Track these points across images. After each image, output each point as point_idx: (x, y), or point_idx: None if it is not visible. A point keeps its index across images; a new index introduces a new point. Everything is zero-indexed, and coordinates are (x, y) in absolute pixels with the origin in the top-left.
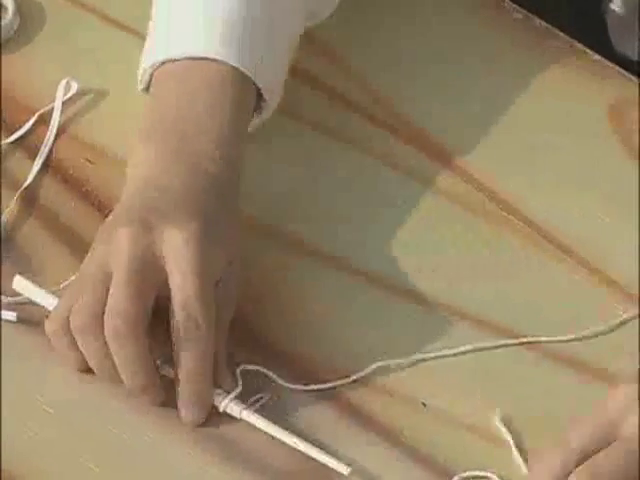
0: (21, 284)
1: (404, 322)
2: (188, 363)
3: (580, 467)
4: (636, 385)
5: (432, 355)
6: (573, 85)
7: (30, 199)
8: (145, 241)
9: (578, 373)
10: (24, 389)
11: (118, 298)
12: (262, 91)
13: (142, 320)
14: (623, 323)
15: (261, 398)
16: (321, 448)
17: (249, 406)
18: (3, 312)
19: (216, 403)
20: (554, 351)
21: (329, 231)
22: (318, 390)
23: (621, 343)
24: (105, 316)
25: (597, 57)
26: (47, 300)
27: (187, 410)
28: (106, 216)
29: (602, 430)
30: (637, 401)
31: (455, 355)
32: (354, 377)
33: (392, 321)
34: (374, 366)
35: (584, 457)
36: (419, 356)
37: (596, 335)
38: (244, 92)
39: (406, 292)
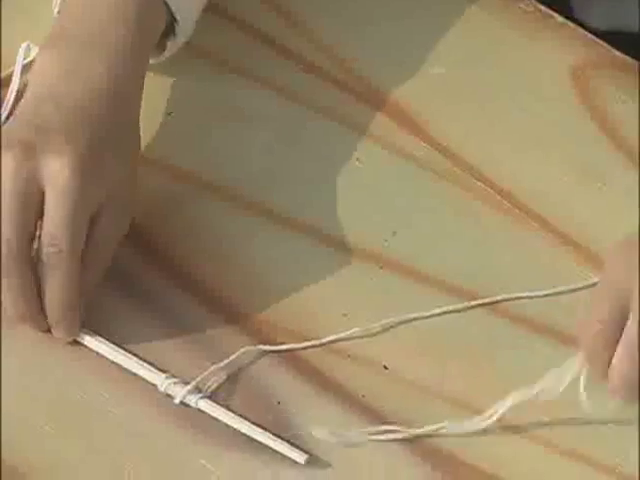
0: None
1: (366, 285)
2: (49, 290)
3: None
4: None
5: (405, 319)
6: (536, 47)
7: None
8: (26, 167)
9: (546, 336)
10: None
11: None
12: (173, 12)
13: (24, 248)
14: (589, 286)
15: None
16: (279, 414)
17: (205, 393)
18: None
19: (172, 394)
20: (521, 315)
21: (293, 195)
22: (282, 351)
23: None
24: None
25: (561, 19)
26: None
27: (56, 333)
28: None
29: (616, 303)
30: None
31: (427, 318)
32: (327, 339)
33: (353, 284)
34: (352, 331)
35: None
36: (391, 320)
37: (556, 294)
38: (152, 8)
39: (368, 256)
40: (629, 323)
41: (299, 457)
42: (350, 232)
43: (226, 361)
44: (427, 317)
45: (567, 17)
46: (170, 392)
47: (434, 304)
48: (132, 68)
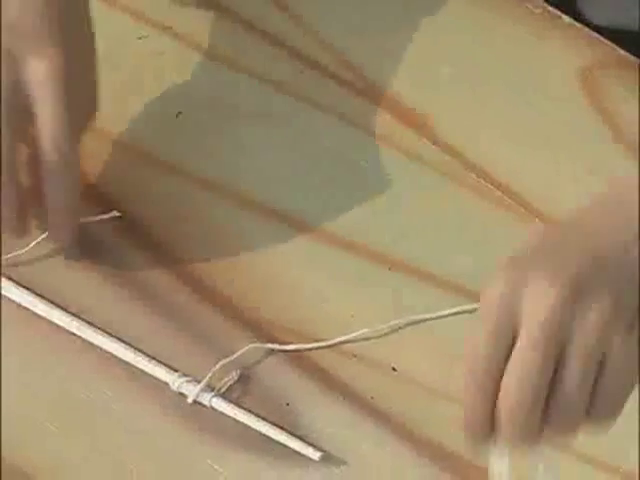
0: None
1: (374, 286)
2: (55, 194)
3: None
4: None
5: (413, 320)
6: (544, 48)
7: None
8: (12, 75)
9: None
10: None
11: None
12: None
13: (14, 157)
14: None
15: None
16: (288, 415)
17: (219, 391)
18: None
19: (185, 392)
20: None
21: (298, 197)
22: (289, 351)
23: None
24: None
25: (569, 20)
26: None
27: (56, 236)
28: None
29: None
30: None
31: (435, 319)
32: (335, 340)
33: (361, 285)
34: (360, 332)
35: None
36: (399, 322)
37: None
38: None
39: (376, 257)
40: (518, 343)
41: (313, 454)
42: (357, 232)
43: (232, 357)
44: (435, 318)
45: (571, 14)
46: (183, 391)
47: (442, 305)
48: None
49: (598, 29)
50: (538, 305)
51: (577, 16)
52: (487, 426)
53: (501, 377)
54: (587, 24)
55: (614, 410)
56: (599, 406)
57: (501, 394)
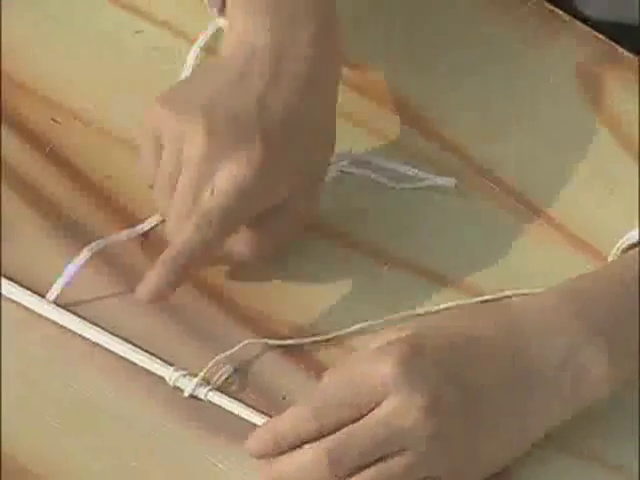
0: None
1: (371, 280)
2: None
3: (319, 442)
4: (403, 364)
5: (409, 314)
6: (542, 44)
7: None
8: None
9: None
10: None
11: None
12: None
13: None
14: None
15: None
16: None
17: (214, 384)
18: None
19: (181, 386)
20: None
21: None
22: (287, 345)
23: None
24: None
25: (566, 17)
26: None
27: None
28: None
29: (360, 399)
30: (404, 380)
31: (431, 314)
32: (331, 335)
33: (359, 279)
34: (357, 326)
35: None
36: (397, 316)
37: None
38: None
39: (374, 252)
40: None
41: None
42: (357, 227)
43: (228, 352)
44: (432, 313)
45: (566, 9)
46: (179, 385)
47: (438, 300)
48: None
49: (595, 23)
50: None
51: (573, 11)
52: None
53: None
54: (583, 19)
55: None
56: None
57: None
